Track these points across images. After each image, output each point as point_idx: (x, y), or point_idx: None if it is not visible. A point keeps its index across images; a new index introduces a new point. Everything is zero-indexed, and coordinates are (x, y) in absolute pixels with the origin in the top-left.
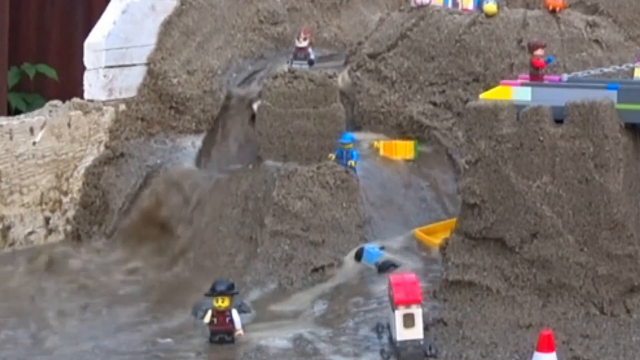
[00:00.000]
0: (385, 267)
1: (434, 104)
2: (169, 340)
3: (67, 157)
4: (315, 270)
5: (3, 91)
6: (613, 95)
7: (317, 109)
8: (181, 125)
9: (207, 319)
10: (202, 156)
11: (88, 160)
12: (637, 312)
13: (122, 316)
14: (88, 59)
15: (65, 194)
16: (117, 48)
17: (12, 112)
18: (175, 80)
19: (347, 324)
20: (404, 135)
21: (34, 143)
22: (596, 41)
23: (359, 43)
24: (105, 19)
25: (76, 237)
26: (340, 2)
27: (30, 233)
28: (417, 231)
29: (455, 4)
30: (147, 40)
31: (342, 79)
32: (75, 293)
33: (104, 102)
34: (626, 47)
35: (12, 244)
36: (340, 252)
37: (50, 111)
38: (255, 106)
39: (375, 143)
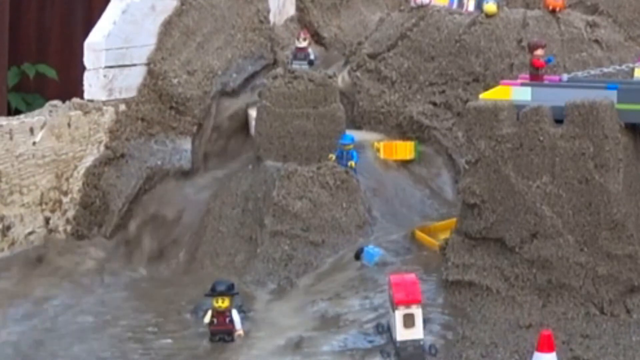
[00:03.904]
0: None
1: (434, 104)
2: (168, 340)
3: (67, 157)
4: (315, 270)
5: (3, 91)
6: (613, 95)
7: (317, 109)
8: (182, 126)
9: (207, 319)
10: (201, 156)
11: (88, 161)
12: (637, 312)
13: (121, 316)
14: (88, 59)
15: (65, 194)
16: (117, 48)
17: (12, 112)
18: (175, 81)
19: (347, 324)
20: (404, 136)
21: (34, 143)
22: (596, 41)
23: (359, 43)
24: (105, 19)
25: (76, 237)
26: (340, 2)
27: (30, 233)
28: (417, 231)
29: (460, 5)
30: (147, 40)
31: (342, 79)
32: (74, 293)
33: (104, 102)
34: (626, 47)
35: (12, 244)
36: (340, 252)
37: (50, 111)
38: (252, 112)
39: (376, 144)
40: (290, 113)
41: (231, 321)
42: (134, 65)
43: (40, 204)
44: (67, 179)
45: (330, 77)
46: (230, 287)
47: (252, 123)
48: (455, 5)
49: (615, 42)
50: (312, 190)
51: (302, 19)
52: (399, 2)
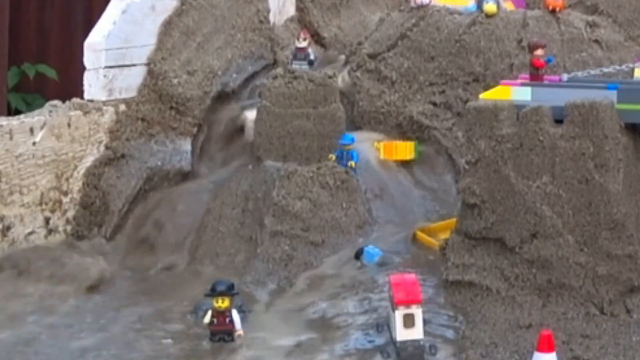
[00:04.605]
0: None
1: (434, 104)
2: (169, 340)
3: (67, 157)
4: (315, 270)
5: (3, 91)
6: (613, 95)
7: (317, 109)
8: (182, 127)
9: (207, 319)
10: (200, 157)
11: (88, 161)
12: (637, 312)
13: (121, 316)
14: (88, 59)
15: (65, 194)
16: (117, 48)
17: (12, 112)
18: (175, 81)
19: (347, 324)
20: (404, 136)
21: (34, 143)
22: (596, 41)
23: (359, 43)
24: (105, 19)
25: (76, 237)
26: (340, 2)
27: (30, 233)
28: (417, 231)
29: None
30: (147, 40)
31: (342, 79)
32: (75, 293)
33: (104, 102)
34: (626, 47)
35: (12, 244)
36: (340, 252)
37: (50, 111)
38: (247, 114)
39: (376, 144)
40: (290, 113)
41: (231, 321)
42: (134, 65)
43: (40, 204)
44: (67, 179)
45: (330, 77)
46: (230, 287)
47: (248, 125)
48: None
49: (615, 42)
50: (312, 190)
51: (302, 19)
52: (399, 2)
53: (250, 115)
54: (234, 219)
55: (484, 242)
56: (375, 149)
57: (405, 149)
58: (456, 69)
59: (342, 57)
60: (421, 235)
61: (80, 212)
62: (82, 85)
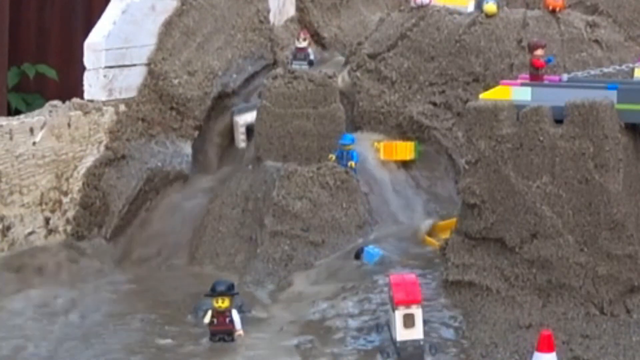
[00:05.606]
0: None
1: (434, 104)
2: (169, 340)
3: (67, 158)
4: (315, 270)
5: (3, 91)
6: (613, 95)
7: (316, 109)
8: (182, 129)
9: (207, 319)
10: (200, 157)
11: (88, 161)
12: (637, 312)
13: (122, 317)
14: (88, 59)
15: (65, 194)
16: (117, 48)
17: (12, 112)
18: (175, 81)
19: (347, 324)
20: (404, 136)
21: (34, 143)
22: (596, 41)
23: (359, 43)
24: (105, 19)
25: (76, 237)
26: (340, 2)
27: (30, 233)
28: (417, 231)
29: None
30: (147, 40)
31: (342, 79)
32: (74, 294)
33: (104, 103)
34: (626, 47)
35: (12, 244)
36: (340, 252)
37: (50, 111)
38: (238, 119)
39: (376, 144)
40: (290, 113)
41: (231, 321)
42: (134, 65)
43: (40, 204)
44: (67, 179)
45: (330, 77)
46: (230, 287)
47: (240, 130)
48: (473, 9)
49: (615, 42)
50: (312, 190)
51: (302, 19)
52: (399, 2)
53: (240, 120)
54: (234, 219)
55: (484, 242)
56: (375, 149)
57: (405, 149)
58: (456, 69)
59: (340, 58)
60: (422, 235)
61: (80, 212)
62: (82, 85)
